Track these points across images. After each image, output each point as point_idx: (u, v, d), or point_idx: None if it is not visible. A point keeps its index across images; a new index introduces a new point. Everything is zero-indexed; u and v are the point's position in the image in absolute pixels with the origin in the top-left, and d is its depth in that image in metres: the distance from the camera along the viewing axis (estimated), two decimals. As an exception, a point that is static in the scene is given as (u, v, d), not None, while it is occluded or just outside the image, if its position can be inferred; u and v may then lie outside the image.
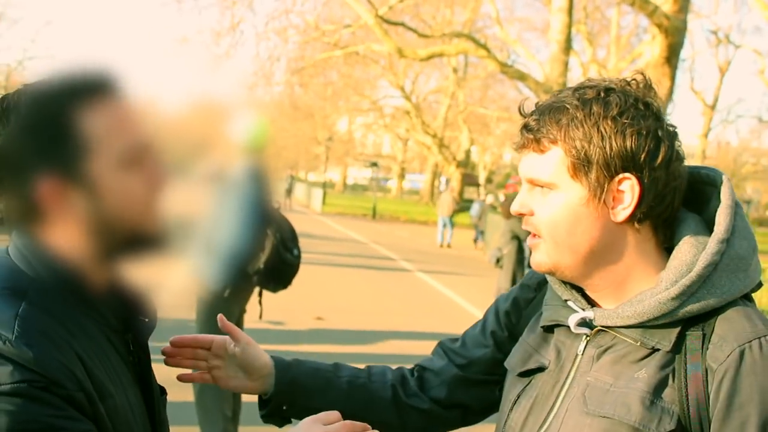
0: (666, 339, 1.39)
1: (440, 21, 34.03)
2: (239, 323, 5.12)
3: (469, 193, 43.86)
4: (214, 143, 4.93)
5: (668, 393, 1.36)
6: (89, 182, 1.27)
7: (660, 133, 1.40)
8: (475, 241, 25.66)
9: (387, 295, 13.38)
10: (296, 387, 1.75)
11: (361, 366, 1.86)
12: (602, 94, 1.41)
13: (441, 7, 35.00)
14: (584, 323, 1.48)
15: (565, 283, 1.53)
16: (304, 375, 1.78)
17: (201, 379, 1.74)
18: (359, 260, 17.98)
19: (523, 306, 1.74)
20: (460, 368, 1.79)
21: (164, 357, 1.67)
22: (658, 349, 1.40)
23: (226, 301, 4.94)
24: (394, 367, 1.90)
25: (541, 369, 1.54)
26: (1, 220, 1.31)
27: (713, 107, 48.47)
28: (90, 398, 1.22)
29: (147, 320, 1.47)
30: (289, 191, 40.45)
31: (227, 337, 1.74)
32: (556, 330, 1.56)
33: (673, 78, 14.52)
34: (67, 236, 1.29)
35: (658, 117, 1.42)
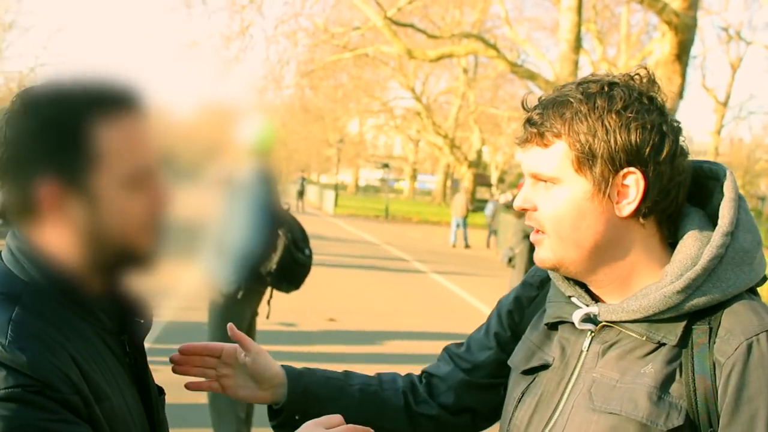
0: (672, 333, 1.38)
1: (449, 22, 34.02)
2: (251, 325, 5.15)
3: (481, 193, 43.73)
4: (224, 147, 4.96)
5: (675, 388, 1.35)
6: (89, 194, 1.27)
7: (664, 128, 1.39)
8: (488, 240, 25.61)
9: (400, 295, 13.38)
10: (308, 396, 1.73)
11: (374, 366, 1.85)
12: (606, 88, 1.40)
13: (450, 7, 35.00)
14: (588, 319, 1.47)
15: (568, 279, 1.52)
16: (315, 384, 1.76)
17: (209, 387, 1.71)
18: (372, 261, 17.98)
19: (526, 304, 1.72)
20: (465, 373, 1.77)
21: (172, 364, 1.66)
22: (664, 344, 1.38)
23: (240, 303, 4.97)
24: (405, 370, 1.90)
25: (545, 366, 1.53)
26: (2, 214, 1.32)
27: (725, 104, 48.22)
28: (86, 401, 1.22)
29: (142, 321, 1.46)
30: (301, 193, 40.48)
31: (237, 345, 1.72)
32: (560, 327, 1.54)
33: (683, 75, 14.50)
34: (61, 241, 1.29)
35: (662, 112, 1.41)
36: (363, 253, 19.83)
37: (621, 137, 1.37)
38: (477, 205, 33.78)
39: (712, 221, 1.45)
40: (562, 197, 1.42)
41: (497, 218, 23.73)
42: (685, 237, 1.43)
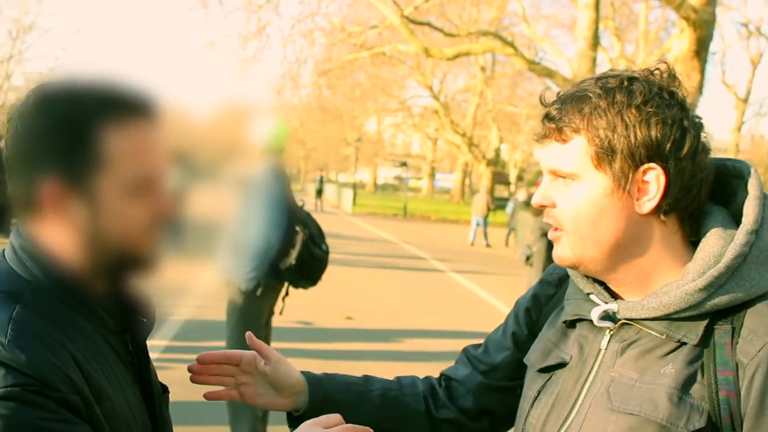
0: (693, 332, 1.34)
1: (466, 20, 33.95)
2: (269, 323, 5.18)
3: (500, 191, 43.60)
4: (238, 146, 4.99)
5: (697, 389, 1.32)
6: (91, 197, 1.27)
7: (686, 123, 1.36)
8: (507, 239, 25.56)
9: (417, 294, 13.38)
10: (329, 403, 1.70)
11: (391, 364, 1.82)
12: (626, 83, 1.37)
13: (467, 5, 34.91)
14: (607, 317, 1.44)
15: (587, 276, 1.49)
16: (335, 390, 1.74)
17: (228, 396, 1.69)
18: (390, 260, 17.99)
19: (544, 302, 1.69)
20: (483, 375, 1.75)
21: (190, 374, 1.65)
22: (684, 343, 1.35)
23: (258, 301, 5.01)
24: (422, 368, 1.89)
25: (562, 365, 1.50)
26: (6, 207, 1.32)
27: (746, 100, 47.81)
28: (86, 401, 1.21)
29: (145, 320, 1.46)
30: (319, 192, 40.59)
31: (256, 352, 1.70)
32: (578, 325, 1.51)
33: (702, 72, 14.42)
34: (62, 240, 1.29)
35: (683, 107, 1.38)
36: (381, 251, 19.84)
37: (641, 132, 1.34)
38: (498, 203, 33.67)
39: (735, 220, 1.42)
40: (581, 194, 1.39)
41: (516, 216, 23.68)
42: (708, 235, 1.40)
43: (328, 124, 64.94)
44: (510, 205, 26.69)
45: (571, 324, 1.52)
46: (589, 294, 1.48)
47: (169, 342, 7.94)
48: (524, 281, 12.06)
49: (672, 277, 1.40)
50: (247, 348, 5.67)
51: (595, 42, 20.21)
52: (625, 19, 33.99)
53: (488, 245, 25.17)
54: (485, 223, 25.82)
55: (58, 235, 1.29)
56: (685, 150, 1.35)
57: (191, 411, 5.75)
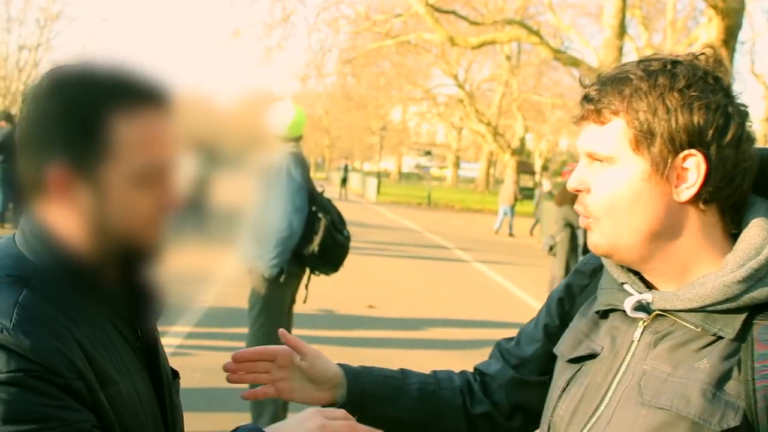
0: (730, 326, 1.29)
1: (492, 8, 33.75)
2: (290, 310, 5.20)
3: (524, 180, 43.47)
4: (259, 133, 5.03)
5: (733, 386, 1.26)
6: (97, 185, 1.26)
7: (730, 110, 1.30)
8: (532, 229, 25.48)
9: (440, 283, 13.36)
10: (367, 396, 1.68)
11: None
12: (669, 66, 1.32)
13: (493, -7, 34.74)
14: (641, 308, 1.38)
15: (622, 266, 1.44)
16: (373, 383, 1.70)
17: (264, 394, 1.66)
18: (413, 249, 17.97)
19: (577, 292, 1.64)
20: (514, 369, 1.71)
21: (226, 375, 1.62)
22: (721, 337, 1.29)
23: (281, 288, 5.03)
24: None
25: (592, 356, 1.45)
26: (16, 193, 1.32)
27: (775, 90, 47.18)
28: (90, 387, 1.20)
29: (155, 306, 1.45)
30: (344, 181, 40.64)
31: (290, 348, 1.67)
32: (611, 315, 1.46)
33: (731, 61, 14.27)
34: (69, 226, 1.28)
35: (728, 93, 1.33)
36: (404, 240, 19.81)
37: (683, 117, 1.29)
38: (524, 193, 33.51)
39: None
40: (618, 178, 1.34)
41: (540, 206, 23.60)
42: (749, 226, 1.35)
43: (353, 113, 65.00)
44: (537, 196, 26.60)
45: (604, 314, 1.48)
46: (623, 284, 1.43)
47: (192, 328, 8.00)
48: (548, 271, 12.04)
49: (710, 269, 1.34)
50: (272, 335, 5.73)
51: (622, 31, 20.07)
52: (653, 7, 33.61)
53: (512, 234, 25.09)
54: (512, 213, 25.72)
55: (66, 220, 1.28)
56: (729, 137, 1.30)
57: (214, 397, 5.80)
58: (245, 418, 5.05)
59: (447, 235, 22.56)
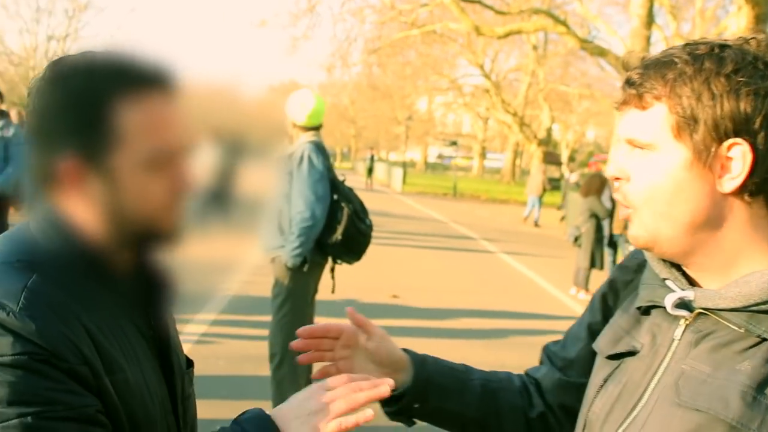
0: None
1: (519, -3, 33.58)
2: (313, 299, 5.22)
3: (551, 171, 43.24)
4: (281, 122, 5.04)
5: None
6: (108, 173, 1.26)
7: None
8: (562, 219, 25.33)
9: (465, 273, 13.34)
10: (431, 385, 1.63)
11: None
12: (716, 50, 1.25)
13: (520, -17, 34.54)
14: (683, 305, 1.32)
15: (665, 261, 1.37)
16: (439, 373, 1.65)
17: (325, 373, 1.59)
18: (438, 239, 17.95)
19: (621, 288, 1.58)
20: (561, 371, 1.67)
21: (296, 354, 1.59)
22: (765, 339, 1.22)
23: (305, 277, 5.04)
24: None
25: (632, 353, 1.39)
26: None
27: (806, 80, 46.58)
28: (95, 372, 1.21)
29: (168, 295, 1.45)
30: (370, 171, 40.68)
31: (356, 327, 1.62)
32: (652, 312, 1.39)
33: (760, 50, 14.10)
34: (83, 215, 1.29)
35: None
36: (430, 230, 19.79)
37: (729, 103, 1.21)
38: (552, 184, 33.30)
39: None
40: (658, 166, 1.27)
41: (567, 197, 23.47)
42: None
43: (379, 103, 65.00)
44: (563, 186, 26.46)
45: (646, 311, 1.41)
46: (665, 279, 1.37)
47: (217, 315, 8.06)
48: (573, 262, 11.99)
49: (759, 265, 1.27)
50: (295, 325, 5.75)
51: (650, 20, 19.87)
52: (682, -4, 33.27)
53: (537, 225, 25.00)
54: (539, 204, 25.60)
55: (79, 208, 1.29)
56: None
57: (237, 385, 5.85)
58: (267, 406, 5.07)
59: (472, 226, 22.51)
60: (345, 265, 5.29)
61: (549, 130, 52.08)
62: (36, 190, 1.32)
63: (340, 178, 5.20)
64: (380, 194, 33.38)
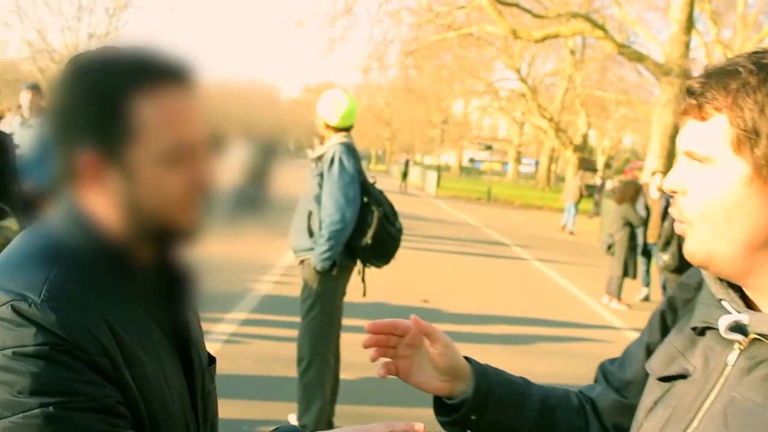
0: None
1: (556, 1, 33.39)
2: (342, 302, 5.20)
3: (586, 178, 42.96)
4: (314, 123, 5.02)
5: None
6: (126, 167, 1.27)
7: None
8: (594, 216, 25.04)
9: (496, 279, 13.28)
10: (491, 397, 1.56)
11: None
12: None
13: (558, -13, 34.38)
14: (738, 328, 1.24)
15: (722, 280, 1.29)
16: (499, 385, 1.59)
17: (387, 368, 1.54)
18: (470, 244, 17.88)
19: (680, 306, 1.50)
20: (617, 392, 1.60)
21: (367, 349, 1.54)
22: None
23: (333, 280, 5.02)
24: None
25: (684, 376, 1.32)
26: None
27: None
28: (115, 365, 1.22)
29: (189, 290, 1.46)
30: (405, 175, 40.65)
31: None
32: (707, 333, 1.32)
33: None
34: (103, 209, 1.30)
35: None
36: (462, 235, 19.76)
37: None
38: (590, 191, 33.02)
39: None
40: (715, 181, 1.20)
41: (601, 204, 23.28)
42: None
43: (414, 106, 65.02)
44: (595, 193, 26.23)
45: (701, 331, 1.33)
46: (720, 300, 1.29)
47: (248, 315, 8.10)
48: (606, 271, 11.88)
49: None
50: (324, 328, 5.72)
51: (689, 26, 19.68)
52: (723, 2, 32.90)
53: (571, 233, 24.81)
54: (576, 210, 25.39)
55: (99, 203, 1.30)
56: None
57: (264, 385, 5.86)
58: (293, 408, 5.09)
59: (505, 231, 22.41)
60: (376, 268, 5.26)
61: (585, 136, 51.69)
62: (58, 184, 1.34)
63: (371, 180, 5.16)
64: (414, 197, 33.35)
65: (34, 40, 37.26)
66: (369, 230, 4.95)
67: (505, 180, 68.00)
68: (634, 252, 11.40)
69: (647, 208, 11.45)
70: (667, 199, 11.83)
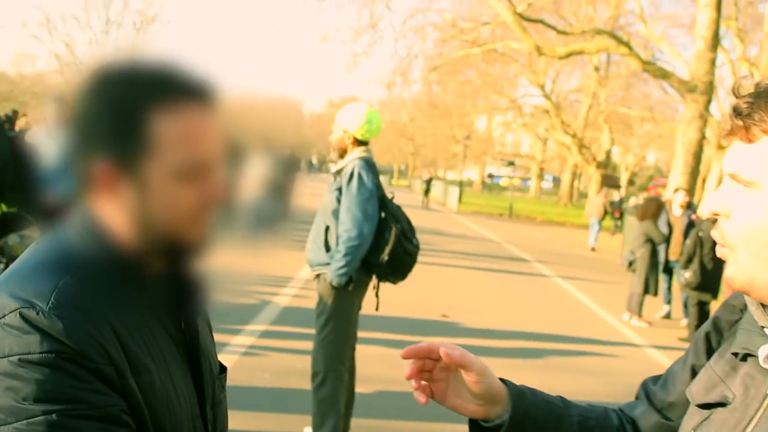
0: None
1: (581, 18, 33.37)
2: (357, 318, 5.17)
3: (609, 195, 42.75)
4: (333, 138, 5.01)
5: None
6: (140, 180, 1.29)
7: None
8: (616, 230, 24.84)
9: (516, 295, 13.22)
10: (528, 419, 1.50)
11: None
12: None
13: (583, 3, 34.35)
14: None
15: (765, 306, 1.25)
16: (536, 407, 1.53)
17: (424, 395, 1.48)
18: (491, 260, 17.82)
19: (725, 327, 1.44)
20: (659, 413, 1.54)
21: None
22: None
23: (349, 296, 4.99)
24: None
25: (723, 404, 1.28)
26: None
27: None
28: (120, 373, 1.23)
29: (199, 299, 1.47)
30: (427, 191, 40.62)
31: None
32: (749, 359, 1.27)
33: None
34: (116, 220, 1.32)
35: None
36: (483, 251, 19.68)
37: None
38: (614, 207, 32.82)
39: None
40: (759, 206, 1.16)
41: (623, 221, 23.14)
42: None
43: (438, 121, 65.08)
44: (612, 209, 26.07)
45: (743, 357, 1.29)
46: (763, 327, 1.25)
47: (267, 327, 8.13)
48: (628, 288, 11.80)
49: None
50: (339, 343, 5.69)
51: (715, 43, 19.58)
52: (749, 19, 32.70)
53: (593, 249, 24.67)
54: (599, 227, 25.24)
55: (113, 213, 1.32)
56: None
57: (280, 398, 5.87)
58: (309, 421, 5.08)
59: (526, 247, 22.33)
60: (392, 284, 5.24)
61: (608, 153, 51.52)
62: (73, 193, 1.35)
63: (389, 195, 5.12)
64: (436, 213, 33.34)
65: (62, 53, 37.72)
66: (386, 247, 4.90)
67: (527, 196, 67.80)
68: (656, 269, 11.32)
69: (669, 225, 11.38)
70: (690, 216, 11.76)
